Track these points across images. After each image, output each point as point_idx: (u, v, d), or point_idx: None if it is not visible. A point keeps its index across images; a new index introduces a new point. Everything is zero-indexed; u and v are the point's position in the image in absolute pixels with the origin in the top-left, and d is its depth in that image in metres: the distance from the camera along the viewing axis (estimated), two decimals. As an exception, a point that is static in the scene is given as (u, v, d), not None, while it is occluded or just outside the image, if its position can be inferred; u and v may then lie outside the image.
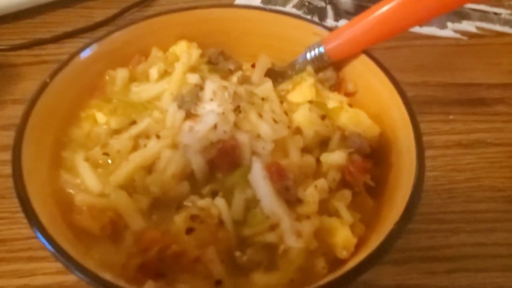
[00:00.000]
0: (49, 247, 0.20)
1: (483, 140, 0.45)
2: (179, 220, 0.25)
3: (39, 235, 0.20)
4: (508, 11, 0.59)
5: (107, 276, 0.20)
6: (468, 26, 0.57)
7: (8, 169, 0.39)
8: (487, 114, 0.47)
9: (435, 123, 0.46)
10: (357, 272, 0.21)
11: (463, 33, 0.56)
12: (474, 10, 0.59)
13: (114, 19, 0.55)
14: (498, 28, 0.57)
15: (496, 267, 0.36)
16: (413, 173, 0.24)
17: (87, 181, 0.27)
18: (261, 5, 0.59)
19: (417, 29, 0.57)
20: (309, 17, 0.58)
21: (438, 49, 0.55)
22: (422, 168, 0.24)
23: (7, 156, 0.41)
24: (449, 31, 0.57)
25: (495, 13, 0.59)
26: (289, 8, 0.60)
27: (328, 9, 0.59)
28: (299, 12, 0.59)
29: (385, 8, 0.31)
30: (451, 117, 0.47)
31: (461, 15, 0.59)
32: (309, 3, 0.60)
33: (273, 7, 0.58)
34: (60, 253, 0.20)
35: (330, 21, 0.58)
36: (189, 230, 0.24)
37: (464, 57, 0.54)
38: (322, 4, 0.60)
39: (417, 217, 0.40)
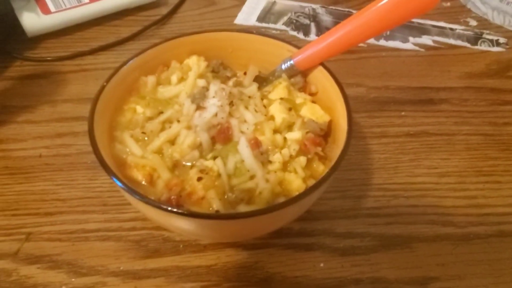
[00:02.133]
0: (121, 185, 0.35)
1: (426, 131, 0.57)
2: (192, 172, 0.39)
3: (116, 180, 0.35)
4: (462, 27, 0.74)
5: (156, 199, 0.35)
6: (427, 40, 0.71)
7: (63, 150, 0.55)
8: (433, 111, 0.60)
9: (390, 118, 0.59)
10: (298, 198, 0.35)
11: (422, 46, 0.70)
12: (433, 26, 0.74)
13: (137, 35, 0.69)
14: (452, 41, 0.71)
15: (423, 221, 0.48)
16: (342, 145, 0.39)
17: (133, 149, 0.41)
18: (256, 23, 0.74)
19: (383, 43, 0.71)
20: (295, 32, 0.73)
21: (400, 59, 0.67)
22: (348, 142, 0.38)
23: (61, 141, 0.56)
24: (410, 44, 0.71)
25: (451, 29, 0.73)
26: (279, 25, 0.74)
27: (312, 26, 0.74)
28: (288, 28, 0.73)
29: (335, 35, 0.45)
30: (403, 113, 0.59)
31: (421, 31, 0.72)
32: (296, 20, 0.75)
33: (265, 27, 0.73)
34: (129, 189, 0.35)
35: (313, 36, 0.72)
36: (199, 179, 0.38)
37: (420, 66, 0.67)
38: (307, 21, 0.75)
39: (368, 186, 0.52)
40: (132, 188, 0.35)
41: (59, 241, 0.46)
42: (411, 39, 0.71)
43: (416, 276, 0.44)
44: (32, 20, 0.67)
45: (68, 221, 0.48)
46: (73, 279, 0.43)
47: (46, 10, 0.67)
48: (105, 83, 0.43)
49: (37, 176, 0.52)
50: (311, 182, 0.41)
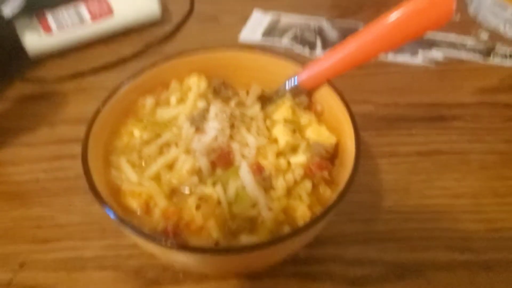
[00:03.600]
0: (114, 216, 0.33)
1: (438, 149, 0.54)
2: (191, 200, 0.37)
3: (108, 210, 0.33)
4: (474, 40, 0.71)
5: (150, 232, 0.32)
6: (437, 54, 0.69)
7: (61, 174, 0.53)
8: (445, 129, 0.57)
9: (400, 136, 0.56)
10: (303, 229, 0.32)
11: (432, 60, 0.68)
12: (443, 40, 0.71)
13: (140, 54, 0.67)
14: (463, 55, 0.68)
15: (438, 247, 0.45)
16: (350, 170, 0.36)
17: (129, 176, 0.39)
18: (261, 38, 0.73)
19: (391, 57, 0.68)
20: (301, 47, 0.71)
21: (409, 74, 0.65)
22: (356, 167, 0.36)
23: (59, 164, 0.54)
24: (420, 59, 0.68)
25: (462, 43, 0.71)
26: (285, 39, 0.72)
27: (318, 41, 0.72)
28: (293, 44, 0.71)
29: (341, 52, 0.43)
30: (413, 131, 0.56)
31: (431, 45, 0.70)
32: (301, 36, 0.73)
33: (270, 43, 0.71)
34: (122, 220, 0.32)
35: (318, 51, 0.70)
36: (198, 207, 0.36)
37: (431, 81, 0.64)
38: (313, 37, 0.73)
39: (378, 209, 0.50)
40: (126, 219, 0.33)
41: (55, 270, 0.44)
42: (420, 53, 0.68)
43: (432, 309, 0.41)
44: (34, 40, 0.66)
45: (65, 248, 0.46)
46: (67, 313, 0.41)
47: (48, 29, 0.67)
48: (100, 106, 0.41)
49: (34, 201, 0.50)
50: (317, 208, 0.39)
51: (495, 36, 0.71)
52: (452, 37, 0.71)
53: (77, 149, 0.54)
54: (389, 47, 0.41)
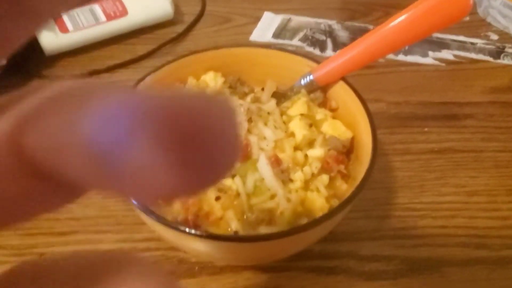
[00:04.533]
0: (138, 205, 0.33)
1: (452, 147, 0.55)
2: (210, 191, 0.37)
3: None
4: (483, 41, 0.71)
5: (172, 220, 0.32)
6: (447, 54, 0.69)
7: (78, 168, 0.54)
8: (457, 127, 0.57)
9: (413, 134, 0.56)
10: (323, 219, 0.32)
11: (442, 60, 0.68)
12: (453, 40, 0.71)
13: (153, 53, 0.67)
14: (473, 55, 0.68)
15: (453, 243, 0.45)
16: (367, 163, 0.36)
17: None
18: (272, 39, 0.73)
19: (402, 57, 0.69)
20: (311, 48, 0.71)
21: (420, 74, 0.65)
22: (373, 159, 0.36)
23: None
24: (430, 59, 0.68)
25: (472, 43, 0.71)
26: (295, 41, 0.73)
27: (328, 42, 0.72)
28: (304, 44, 0.72)
29: (357, 48, 0.43)
30: (426, 129, 0.57)
31: (441, 45, 0.70)
32: (312, 37, 0.73)
33: (280, 43, 0.72)
34: (146, 209, 0.33)
35: (329, 52, 0.70)
36: (217, 198, 0.36)
37: (442, 81, 0.64)
38: (323, 37, 0.73)
39: (392, 206, 0.50)
40: (149, 208, 0.33)
41: (72, 262, 0.44)
42: (430, 53, 0.69)
43: (449, 303, 0.41)
44: (50, 39, 0.66)
45: (82, 241, 0.46)
46: (84, 304, 0.41)
47: (64, 29, 0.67)
48: (120, 100, 0.42)
49: (50, 195, 0.50)
50: (334, 201, 0.39)
51: (505, 37, 0.72)
52: (461, 38, 0.71)
53: (94, 144, 0.55)
54: (407, 41, 0.41)
